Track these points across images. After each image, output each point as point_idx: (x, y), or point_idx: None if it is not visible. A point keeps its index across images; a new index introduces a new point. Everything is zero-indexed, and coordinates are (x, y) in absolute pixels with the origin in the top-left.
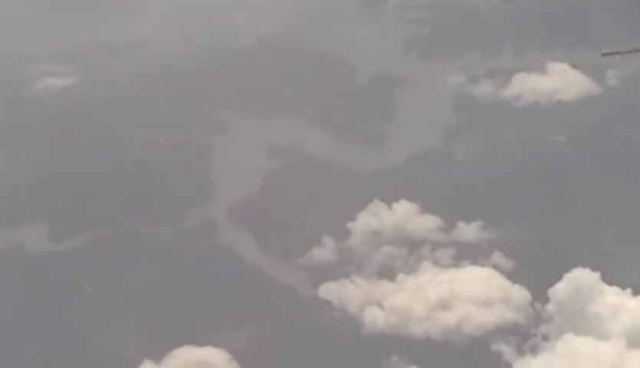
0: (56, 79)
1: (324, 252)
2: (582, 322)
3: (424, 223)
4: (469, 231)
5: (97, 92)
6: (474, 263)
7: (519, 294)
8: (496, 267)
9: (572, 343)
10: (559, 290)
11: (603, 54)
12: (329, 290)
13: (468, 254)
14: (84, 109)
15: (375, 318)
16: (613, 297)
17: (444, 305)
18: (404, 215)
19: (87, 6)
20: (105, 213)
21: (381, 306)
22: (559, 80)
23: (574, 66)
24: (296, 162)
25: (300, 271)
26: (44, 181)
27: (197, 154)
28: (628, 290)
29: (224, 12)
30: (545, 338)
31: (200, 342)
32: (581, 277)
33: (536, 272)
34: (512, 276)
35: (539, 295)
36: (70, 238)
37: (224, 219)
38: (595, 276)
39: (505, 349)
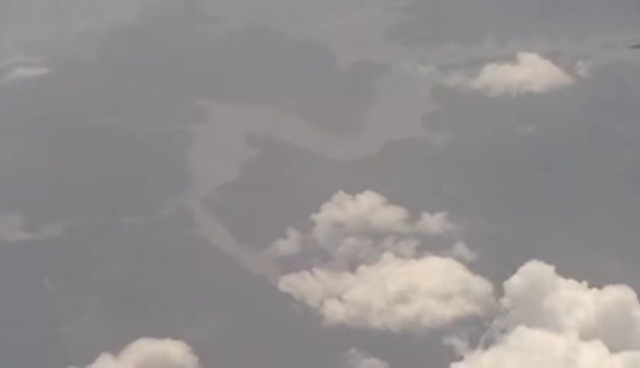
0: (29, 69)
1: (288, 244)
2: (536, 315)
3: (389, 214)
4: (433, 222)
5: (73, 82)
6: (437, 254)
7: (480, 286)
8: (458, 258)
9: (524, 336)
10: (514, 283)
11: (631, 47)
12: (290, 283)
13: (431, 245)
14: (59, 99)
15: (335, 311)
16: (568, 290)
17: (404, 298)
18: (368, 206)
19: None
20: (81, 203)
21: (341, 299)
22: (530, 71)
23: (545, 56)
24: (274, 151)
25: (264, 263)
26: (19, 171)
27: (175, 143)
28: (584, 283)
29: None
30: (502, 331)
31: (161, 334)
32: (535, 270)
33: (499, 264)
34: (474, 267)
35: (501, 287)
36: (45, 228)
37: (200, 209)
38: (550, 269)
39: (458, 342)
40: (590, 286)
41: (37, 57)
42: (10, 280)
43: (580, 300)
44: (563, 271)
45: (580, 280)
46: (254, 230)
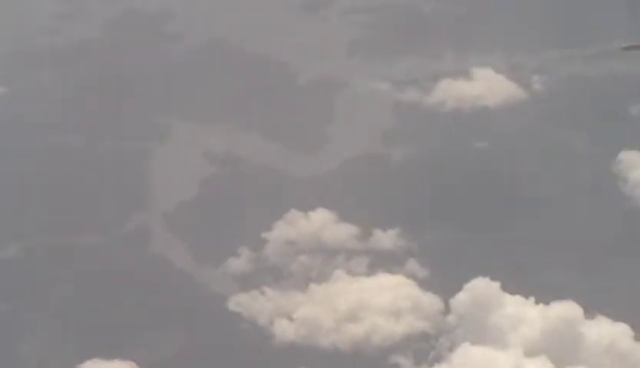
0: None
1: (239, 263)
2: (481, 332)
3: (341, 232)
4: (385, 239)
5: (30, 100)
6: (389, 271)
7: (431, 302)
8: (410, 275)
9: (469, 353)
10: (459, 300)
11: (623, 48)
12: (240, 302)
13: (383, 262)
14: (16, 118)
15: (285, 330)
16: (514, 306)
17: (354, 316)
18: (321, 223)
19: (23, 11)
20: (37, 223)
21: (291, 318)
22: (484, 86)
23: (500, 71)
24: (232, 168)
25: (216, 282)
26: None
27: (134, 160)
28: (531, 299)
29: (165, 17)
30: (448, 349)
31: (112, 355)
32: (480, 286)
33: (451, 280)
34: (425, 284)
35: None
36: (2, 248)
37: (158, 226)
38: (495, 285)
39: (403, 361)
40: (537, 302)
41: None
42: None
43: (526, 316)
44: (512, 287)
45: (527, 297)
46: (208, 248)
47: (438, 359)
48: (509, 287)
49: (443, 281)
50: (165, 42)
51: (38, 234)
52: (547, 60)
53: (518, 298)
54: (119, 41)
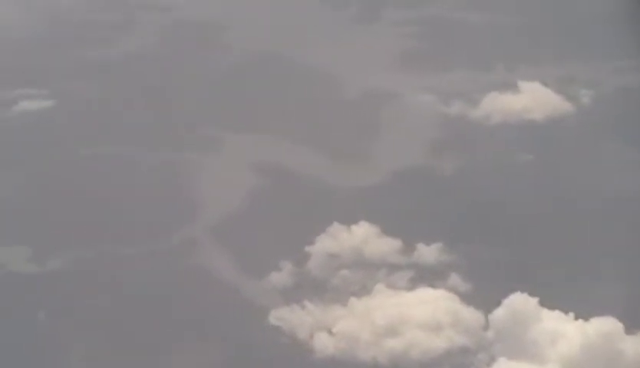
0: (34, 101)
1: (281, 276)
2: (519, 348)
3: (383, 246)
4: (428, 253)
5: (79, 112)
6: (431, 285)
7: (472, 317)
8: (451, 289)
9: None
10: (498, 315)
11: None
12: (280, 316)
13: (425, 276)
14: (65, 130)
15: (325, 344)
16: (553, 322)
17: (393, 330)
18: (363, 237)
19: (72, 23)
20: (86, 234)
21: (330, 332)
22: (531, 100)
23: (547, 84)
24: (280, 181)
25: (258, 296)
26: (27, 203)
27: (183, 172)
28: (571, 314)
29: (216, 29)
30: (487, 364)
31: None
32: (519, 302)
33: (493, 295)
34: (467, 298)
35: None
36: (50, 260)
37: (205, 238)
38: (534, 301)
39: None
40: (577, 317)
41: (42, 89)
42: (8, 312)
43: (565, 331)
44: (551, 302)
45: (567, 312)
46: (252, 261)
47: None
48: (548, 303)
49: (485, 296)
50: (215, 53)
51: (86, 246)
52: (596, 73)
53: (557, 313)
54: (169, 52)
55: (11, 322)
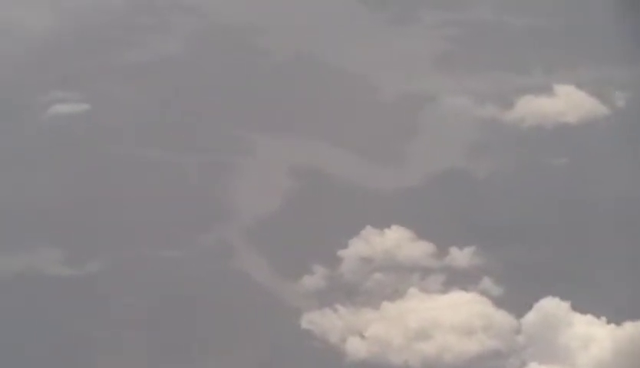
0: (68, 105)
1: (313, 280)
2: (551, 352)
3: (416, 249)
4: (461, 257)
5: (113, 116)
6: (463, 289)
7: (504, 321)
8: (484, 293)
9: None
10: (529, 319)
11: None
12: (312, 320)
13: (458, 280)
14: (99, 133)
15: (357, 348)
16: (585, 326)
17: (425, 334)
18: (396, 241)
19: (107, 26)
20: (121, 236)
21: (362, 335)
22: (565, 103)
23: (582, 87)
24: (315, 184)
25: (290, 299)
26: (61, 206)
27: (218, 175)
28: (603, 319)
29: (252, 32)
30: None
31: None
32: (550, 306)
33: (526, 298)
34: (499, 302)
35: None
36: (85, 263)
37: (239, 241)
38: (565, 305)
39: None
40: (609, 322)
41: (76, 92)
42: (42, 315)
43: (597, 336)
44: (583, 307)
45: (599, 316)
46: (286, 265)
47: None
48: (580, 307)
49: (518, 299)
50: (251, 56)
51: (121, 248)
52: (631, 76)
53: (589, 318)
54: (204, 55)
55: (45, 325)
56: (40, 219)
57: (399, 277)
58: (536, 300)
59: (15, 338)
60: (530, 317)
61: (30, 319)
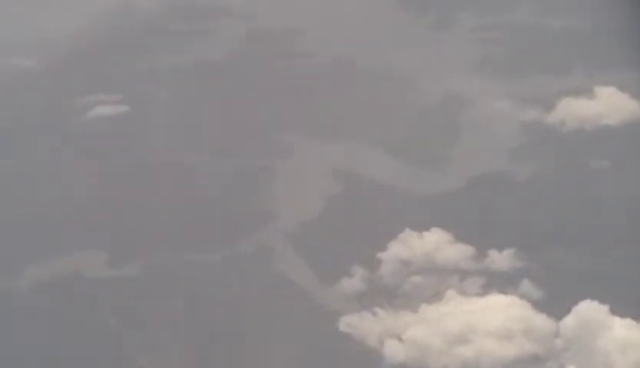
0: (109, 107)
1: (352, 283)
2: (589, 356)
3: (455, 252)
4: (500, 259)
5: (154, 118)
6: (502, 292)
7: (544, 324)
8: (523, 296)
9: None
10: (567, 323)
11: None
12: (350, 323)
13: (497, 283)
14: (140, 136)
15: (395, 351)
16: (623, 330)
17: (464, 337)
18: (435, 243)
19: (149, 30)
20: (160, 240)
21: (400, 339)
22: (606, 105)
23: (623, 89)
24: (357, 187)
25: (330, 302)
26: (102, 208)
27: (258, 178)
28: None
29: (293, 35)
30: None
31: None
32: (589, 309)
33: (565, 302)
34: (539, 306)
35: None
36: (126, 266)
37: (281, 244)
38: (604, 308)
39: None
40: None
41: (117, 94)
42: (95, 316)
43: (635, 340)
44: (622, 310)
45: (638, 320)
46: (326, 268)
47: None
48: (619, 310)
49: (557, 302)
50: (292, 60)
51: (160, 252)
52: None
53: (628, 321)
54: (245, 59)
55: (86, 326)
56: (81, 222)
57: (438, 280)
58: (576, 303)
59: (59, 337)
60: (569, 320)
61: (71, 319)
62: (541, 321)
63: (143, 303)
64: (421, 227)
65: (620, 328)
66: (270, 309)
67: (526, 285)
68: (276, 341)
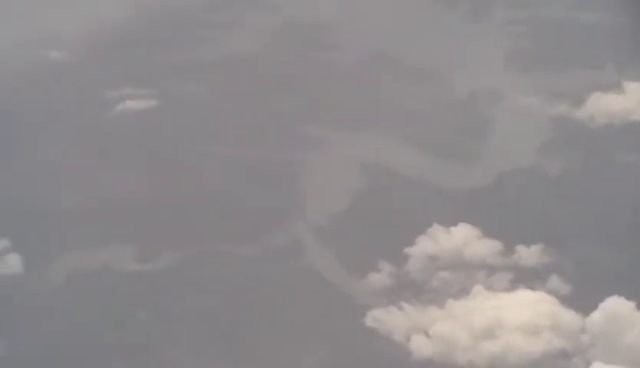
0: (137, 101)
1: (380, 278)
2: (615, 352)
3: (483, 247)
4: (528, 255)
5: (183, 112)
6: (530, 287)
7: (571, 320)
8: (551, 291)
9: None
10: (594, 319)
11: None
12: (376, 318)
13: (525, 278)
14: (169, 130)
15: (421, 346)
16: None
17: (491, 333)
18: (463, 239)
19: (180, 23)
20: (190, 233)
21: (427, 334)
22: (635, 100)
23: None
24: (386, 181)
25: (357, 297)
26: (131, 202)
27: (287, 171)
28: None
29: (324, 29)
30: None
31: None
32: (615, 305)
33: (594, 298)
34: (566, 301)
35: None
36: (156, 259)
37: (310, 238)
38: (631, 305)
39: None
40: None
41: (145, 88)
42: (124, 309)
43: None
44: None
45: None
46: (354, 262)
47: None
48: None
49: (585, 298)
50: (323, 54)
51: (189, 246)
52: None
53: None
54: (276, 52)
55: (113, 319)
56: (111, 215)
57: (465, 276)
58: (603, 299)
59: (85, 329)
60: (595, 316)
61: (99, 312)
62: (569, 317)
63: (172, 297)
64: (449, 222)
65: None
66: (298, 303)
67: (554, 281)
68: (303, 335)
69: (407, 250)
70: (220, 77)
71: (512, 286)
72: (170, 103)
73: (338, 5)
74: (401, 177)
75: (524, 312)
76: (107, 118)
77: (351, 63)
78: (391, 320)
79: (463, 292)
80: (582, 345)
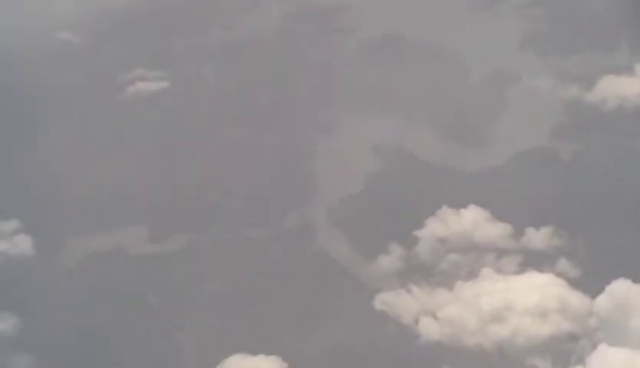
0: (149, 83)
1: (390, 260)
2: (622, 335)
3: (492, 230)
4: (537, 237)
5: (194, 95)
6: (539, 270)
7: (580, 302)
8: (560, 274)
9: (606, 355)
10: (601, 302)
11: None
12: (385, 300)
13: (533, 261)
14: (180, 112)
15: (430, 329)
16: None
17: (499, 316)
18: (472, 221)
19: (194, 6)
20: (201, 216)
21: (436, 316)
22: None
23: None
24: (399, 163)
25: (367, 279)
26: (144, 184)
27: (300, 154)
28: None
29: (338, 12)
30: (589, 351)
31: (257, 349)
32: (622, 288)
33: (602, 280)
34: (575, 284)
35: None
36: (169, 241)
37: (323, 221)
38: (638, 288)
39: (541, 363)
40: None
41: (157, 70)
42: (136, 291)
43: None
44: None
45: None
46: (365, 245)
47: (578, 361)
48: None
49: (594, 281)
50: (337, 36)
51: (202, 228)
52: None
53: None
54: (290, 36)
55: (126, 302)
56: (124, 198)
57: (474, 258)
58: (611, 282)
59: (99, 312)
60: (602, 299)
61: (112, 294)
62: (577, 300)
63: (184, 279)
64: (459, 204)
65: None
66: (307, 285)
67: (563, 263)
68: (313, 318)
69: (417, 232)
70: (233, 60)
71: (521, 269)
72: (182, 85)
73: None
74: (413, 159)
75: (533, 295)
76: (119, 100)
77: (365, 46)
78: (400, 302)
79: (471, 275)
80: (589, 328)
